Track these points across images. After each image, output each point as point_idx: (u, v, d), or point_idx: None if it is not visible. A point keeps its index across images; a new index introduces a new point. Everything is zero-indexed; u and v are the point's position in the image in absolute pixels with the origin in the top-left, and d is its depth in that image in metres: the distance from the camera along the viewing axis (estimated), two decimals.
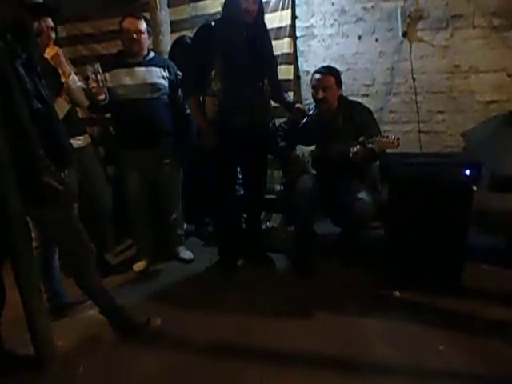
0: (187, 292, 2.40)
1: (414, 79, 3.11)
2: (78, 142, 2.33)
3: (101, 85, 2.16)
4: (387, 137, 2.24)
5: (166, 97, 2.50)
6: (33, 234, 1.83)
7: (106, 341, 1.96)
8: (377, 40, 3.18)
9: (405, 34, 3.06)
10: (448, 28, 3.01)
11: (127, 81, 2.40)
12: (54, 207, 1.66)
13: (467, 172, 2.13)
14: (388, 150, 2.32)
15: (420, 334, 1.89)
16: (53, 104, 1.78)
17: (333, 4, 3.21)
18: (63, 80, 2.17)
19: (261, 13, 2.23)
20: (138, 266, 2.70)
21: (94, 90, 2.15)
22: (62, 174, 1.74)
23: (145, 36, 2.41)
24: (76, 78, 2.23)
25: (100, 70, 2.14)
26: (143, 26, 2.39)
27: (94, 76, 2.13)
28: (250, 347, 1.89)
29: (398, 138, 2.23)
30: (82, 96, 2.26)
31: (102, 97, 2.20)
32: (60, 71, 2.16)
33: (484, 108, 3.07)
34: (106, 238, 2.71)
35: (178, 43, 2.89)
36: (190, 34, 3.14)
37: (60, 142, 1.74)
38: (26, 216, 1.68)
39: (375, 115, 2.64)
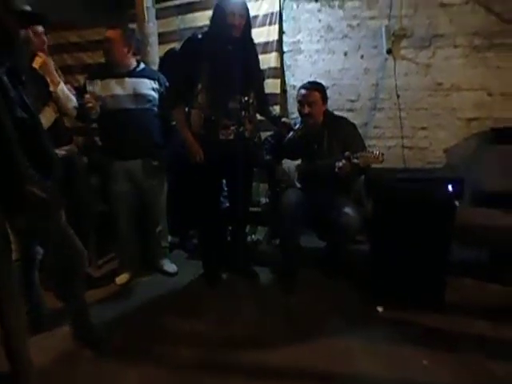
0: (171, 306, 2.36)
1: (398, 95, 3.17)
2: (62, 152, 2.29)
3: (97, 101, 2.22)
4: (372, 152, 2.26)
5: (155, 108, 2.50)
6: (13, 246, 1.78)
7: (87, 356, 1.91)
8: (362, 57, 3.24)
9: (389, 52, 3.13)
10: (431, 47, 3.10)
11: (117, 91, 2.39)
12: (40, 216, 1.62)
13: (450, 188, 2.17)
14: (373, 165, 2.34)
15: (404, 350, 1.89)
16: (38, 113, 1.75)
17: (319, 21, 3.27)
18: (52, 89, 2.14)
19: (248, 27, 2.25)
20: (121, 278, 2.65)
21: (89, 105, 2.19)
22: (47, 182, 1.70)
23: (119, 46, 2.36)
24: (65, 87, 2.21)
25: (98, 86, 2.24)
26: (117, 35, 2.36)
27: (92, 91, 2.19)
28: (235, 362, 1.87)
29: (383, 154, 2.26)
30: (70, 105, 2.23)
31: (94, 111, 2.25)
32: (48, 80, 2.14)
33: (465, 125, 3.14)
34: (89, 249, 2.65)
35: (168, 55, 2.90)
36: (178, 46, 3.15)
37: (44, 151, 1.71)
38: (6, 228, 1.64)
39: (360, 130, 2.67)
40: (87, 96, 2.27)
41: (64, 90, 2.20)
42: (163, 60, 2.95)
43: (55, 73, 2.18)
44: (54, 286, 1.92)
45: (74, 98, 2.29)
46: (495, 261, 2.53)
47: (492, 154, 2.86)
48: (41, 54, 2.12)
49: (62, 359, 1.90)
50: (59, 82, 2.18)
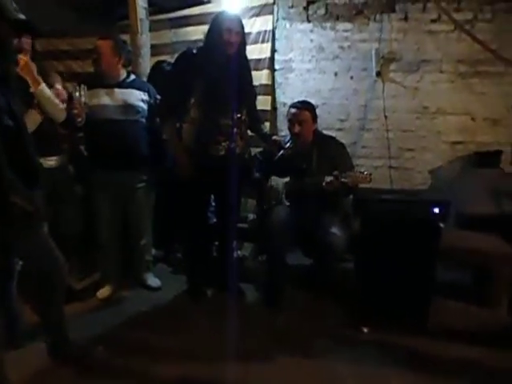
0: (154, 322, 2.31)
1: (385, 117, 3.24)
2: (49, 162, 2.26)
3: (83, 107, 2.17)
4: (360, 172, 2.29)
5: (144, 120, 2.48)
6: None
7: (65, 374, 1.83)
8: (352, 78, 3.31)
9: (378, 74, 3.21)
10: (418, 71, 3.19)
11: (106, 101, 2.37)
12: (23, 227, 1.58)
13: (436, 210, 2.20)
14: (361, 185, 2.37)
15: (388, 374, 1.88)
16: (24, 121, 1.71)
17: (311, 41, 3.33)
18: (32, 90, 2.10)
19: (242, 44, 2.27)
20: (103, 292, 2.58)
21: (75, 111, 2.15)
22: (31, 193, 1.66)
23: (109, 57, 2.36)
24: (47, 89, 2.17)
25: (84, 93, 2.15)
26: (108, 47, 2.35)
27: (78, 98, 2.14)
28: (218, 381, 1.83)
29: (371, 174, 2.29)
30: (53, 109, 2.19)
31: (80, 118, 2.19)
32: (30, 81, 2.10)
33: (450, 148, 3.23)
34: (71, 261, 2.58)
35: (156, 68, 2.90)
36: (169, 58, 3.17)
37: (29, 161, 1.68)
38: None
39: (348, 149, 2.70)
40: (73, 102, 2.23)
41: (45, 91, 2.16)
42: (151, 72, 2.95)
43: (36, 75, 2.14)
44: (32, 299, 1.85)
45: (58, 102, 2.23)
46: (478, 283, 2.57)
47: (475, 178, 2.92)
48: (22, 56, 2.09)
49: (39, 377, 1.82)
50: (40, 83, 2.14)
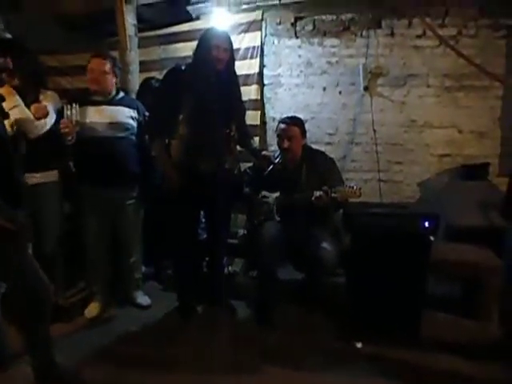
0: (143, 343, 2.26)
1: (374, 131, 3.27)
2: (34, 179, 2.23)
3: (74, 125, 2.18)
4: (350, 187, 2.30)
5: (133, 137, 2.48)
6: None
7: None
8: (340, 92, 3.35)
9: (366, 89, 3.25)
10: (405, 85, 3.24)
11: (95, 118, 2.36)
12: (7, 248, 1.55)
13: (425, 223, 2.21)
14: (350, 199, 2.37)
15: None
16: (8, 139, 1.70)
17: (299, 56, 3.37)
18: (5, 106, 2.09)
19: (231, 60, 2.29)
20: (91, 310, 2.53)
21: (66, 130, 2.15)
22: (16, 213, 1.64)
23: (109, 76, 2.39)
24: (21, 108, 2.15)
25: (76, 111, 2.17)
26: (107, 66, 2.38)
27: (70, 116, 2.14)
28: None
29: (360, 188, 2.29)
30: (26, 125, 2.16)
31: (70, 137, 2.20)
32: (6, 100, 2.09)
33: (438, 161, 3.27)
34: (56, 280, 2.53)
35: (144, 85, 2.90)
36: (158, 75, 3.17)
37: (13, 180, 1.66)
38: None
39: (338, 163, 2.72)
40: (64, 120, 2.23)
41: (17, 110, 2.14)
42: (140, 89, 2.95)
43: (13, 97, 2.13)
44: (17, 321, 1.80)
45: (32, 118, 2.18)
46: (468, 295, 2.57)
47: (463, 190, 2.96)
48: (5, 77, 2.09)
49: None
50: (15, 106, 2.12)
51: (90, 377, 1.89)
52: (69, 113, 2.22)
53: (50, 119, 2.28)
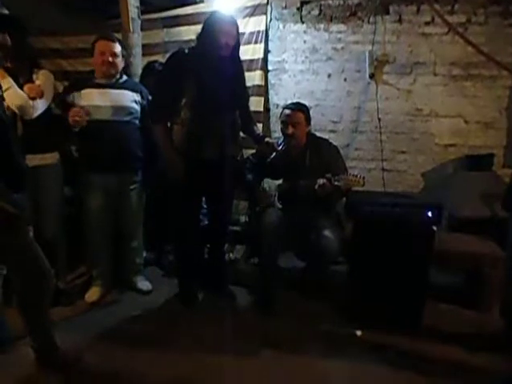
0: (143, 327, 2.26)
1: (379, 119, 3.23)
2: (35, 161, 2.21)
3: (85, 114, 2.21)
4: (354, 175, 2.27)
5: (137, 121, 2.45)
6: None
7: (53, 381, 1.79)
8: (345, 79, 3.30)
9: (372, 76, 3.19)
10: (412, 73, 3.19)
11: (99, 102, 2.33)
12: (8, 232, 1.54)
13: (429, 213, 2.19)
14: (354, 188, 2.35)
15: (382, 376, 1.88)
16: (8, 120, 1.67)
17: (305, 42, 3.31)
18: None
19: (237, 46, 2.24)
20: (91, 295, 2.53)
21: (76, 119, 2.19)
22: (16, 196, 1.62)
23: (119, 59, 2.38)
24: (15, 89, 2.11)
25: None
26: (118, 48, 2.37)
27: (83, 107, 2.21)
28: None
29: (364, 177, 2.27)
30: (19, 106, 2.10)
31: (78, 127, 2.23)
32: None
33: (443, 151, 3.23)
34: (58, 264, 2.53)
35: (147, 68, 2.86)
36: (161, 58, 3.12)
37: (14, 163, 1.64)
38: None
39: (341, 151, 2.68)
40: (76, 109, 2.21)
41: (9, 91, 2.10)
42: (143, 73, 2.90)
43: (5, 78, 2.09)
44: (17, 303, 1.80)
45: (26, 99, 2.12)
46: (470, 286, 2.57)
47: (467, 181, 2.93)
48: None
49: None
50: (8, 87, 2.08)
51: (90, 359, 1.90)
52: (77, 101, 2.21)
53: (46, 99, 2.23)
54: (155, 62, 2.93)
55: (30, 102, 2.13)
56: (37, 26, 3.27)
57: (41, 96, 2.18)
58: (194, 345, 2.09)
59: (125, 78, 2.48)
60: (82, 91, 2.33)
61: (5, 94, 2.07)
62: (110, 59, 2.32)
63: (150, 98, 2.49)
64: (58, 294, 2.44)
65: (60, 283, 2.53)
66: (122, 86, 2.41)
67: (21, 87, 2.13)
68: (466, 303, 2.45)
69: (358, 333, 2.20)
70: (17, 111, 2.12)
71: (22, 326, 1.82)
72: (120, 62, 2.40)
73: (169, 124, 2.30)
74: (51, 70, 2.59)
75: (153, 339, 2.14)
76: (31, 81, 2.20)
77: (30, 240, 1.76)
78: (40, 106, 2.18)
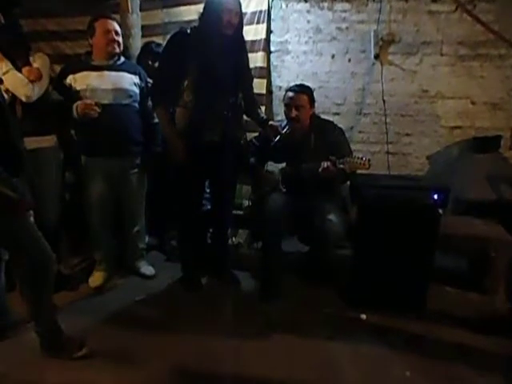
0: (147, 311, 2.27)
1: (384, 101, 3.16)
2: (33, 145, 2.18)
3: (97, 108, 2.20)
4: (359, 158, 2.23)
5: (136, 104, 2.41)
6: None
7: (53, 366, 1.79)
8: (349, 60, 3.22)
9: (377, 57, 3.12)
10: (418, 53, 3.11)
11: (97, 84, 2.28)
12: (8, 217, 1.52)
13: (435, 196, 2.16)
14: (358, 171, 2.31)
15: (386, 359, 1.88)
16: (6, 104, 1.64)
17: (308, 22, 3.22)
18: None
19: (240, 25, 2.17)
20: (95, 279, 2.53)
21: (91, 112, 2.18)
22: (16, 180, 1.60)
23: (121, 38, 2.35)
24: (13, 72, 2.07)
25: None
26: (118, 27, 2.34)
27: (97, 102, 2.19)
28: (213, 373, 1.80)
29: (369, 160, 2.22)
30: (18, 90, 2.07)
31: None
32: None
33: (448, 133, 3.18)
34: (60, 248, 2.52)
35: (144, 49, 2.80)
36: (161, 40, 3.05)
37: (13, 147, 1.61)
38: None
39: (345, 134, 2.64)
40: (88, 101, 2.19)
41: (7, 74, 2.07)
42: (140, 54, 2.84)
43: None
44: (20, 289, 1.79)
45: (26, 82, 2.09)
46: (476, 269, 2.55)
47: (473, 163, 2.88)
48: None
49: (28, 369, 1.78)
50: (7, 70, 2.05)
51: (94, 343, 1.90)
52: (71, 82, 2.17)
53: (45, 82, 2.21)
54: (152, 42, 2.87)
55: (30, 84, 2.10)
56: (33, 8, 3.21)
57: (40, 79, 2.15)
58: (197, 329, 2.09)
59: (122, 59, 2.42)
60: (79, 74, 2.28)
61: (3, 77, 2.04)
62: (116, 37, 2.28)
63: (148, 80, 2.44)
64: (61, 279, 2.45)
65: (63, 268, 2.53)
66: (121, 68, 2.36)
67: (19, 70, 2.09)
68: (471, 286, 2.44)
69: (363, 316, 2.20)
70: (17, 94, 2.09)
71: (26, 312, 1.81)
72: (121, 42, 2.36)
73: (171, 107, 2.25)
74: (49, 54, 2.55)
75: (156, 323, 2.14)
76: (29, 64, 2.16)
77: (31, 224, 1.74)
78: (41, 89, 2.16)
